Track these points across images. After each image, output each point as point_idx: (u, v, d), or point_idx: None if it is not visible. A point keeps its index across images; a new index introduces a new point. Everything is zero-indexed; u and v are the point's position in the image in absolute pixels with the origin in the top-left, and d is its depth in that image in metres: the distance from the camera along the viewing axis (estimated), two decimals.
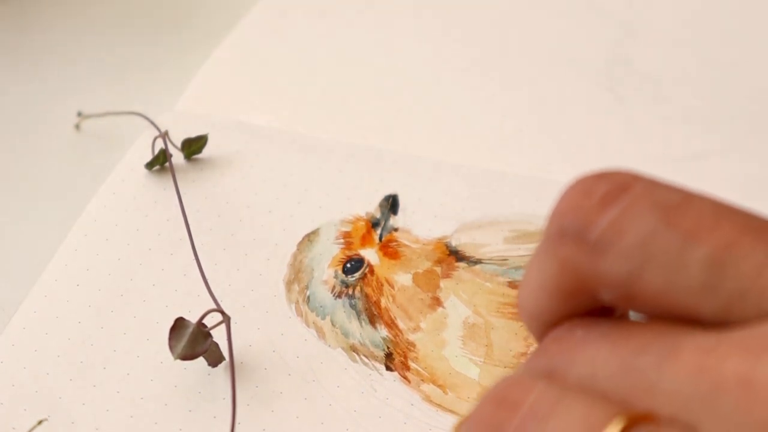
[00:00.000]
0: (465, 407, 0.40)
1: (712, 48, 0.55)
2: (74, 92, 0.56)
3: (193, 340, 0.39)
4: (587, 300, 0.26)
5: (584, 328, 0.26)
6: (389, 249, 0.46)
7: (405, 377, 0.41)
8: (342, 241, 0.46)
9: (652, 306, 0.24)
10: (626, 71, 0.54)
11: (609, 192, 0.25)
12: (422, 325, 0.43)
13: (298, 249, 0.46)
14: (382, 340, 0.42)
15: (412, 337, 0.42)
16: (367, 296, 0.44)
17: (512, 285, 0.44)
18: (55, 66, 0.58)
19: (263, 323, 0.43)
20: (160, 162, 0.49)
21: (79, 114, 0.53)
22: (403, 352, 0.42)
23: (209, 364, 0.40)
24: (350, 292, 0.44)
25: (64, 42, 0.59)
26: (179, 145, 0.49)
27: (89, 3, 0.62)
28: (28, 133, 0.54)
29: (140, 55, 0.59)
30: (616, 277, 0.24)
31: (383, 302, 0.43)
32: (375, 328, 0.43)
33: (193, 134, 0.49)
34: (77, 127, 0.53)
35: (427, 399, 0.40)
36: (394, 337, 0.42)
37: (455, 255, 0.45)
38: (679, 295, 0.24)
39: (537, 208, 0.47)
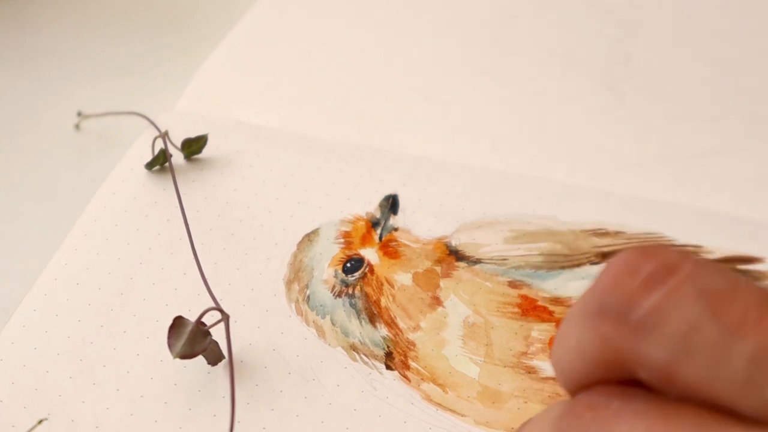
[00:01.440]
0: (465, 406, 0.40)
1: (713, 47, 0.55)
2: (74, 92, 0.56)
3: (192, 339, 0.39)
4: (624, 373, 0.26)
5: (621, 399, 0.25)
6: (389, 249, 0.46)
7: (405, 376, 0.41)
8: (342, 240, 0.46)
9: (691, 393, 0.24)
10: (627, 70, 0.54)
11: (654, 273, 0.25)
12: (422, 324, 0.43)
13: (298, 249, 0.46)
14: (382, 339, 0.42)
15: (412, 336, 0.42)
16: (367, 295, 0.44)
17: (512, 284, 0.44)
18: (55, 66, 0.58)
19: (263, 322, 0.43)
20: (160, 162, 0.49)
21: (79, 114, 0.53)
22: (403, 351, 0.42)
23: (209, 363, 0.40)
24: (350, 291, 0.44)
25: (64, 42, 0.59)
26: (179, 145, 0.49)
27: (89, 3, 0.62)
28: (27, 133, 0.54)
29: (140, 54, 0.59)
30: (655, 361, 0.24)
31: (383, 301, 0.43)
32: (375, 327, 0.43)
33: (193, 134, 0.50)
34: (77, 126, 0.53)
35: (427, 398, 0.40)
36: (394, 337, 0.42)
37: (455, 255, 0.45)
38: (719, 388, 0.23)
39: (537, 208, 0.47)
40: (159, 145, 0.49)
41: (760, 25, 0.56)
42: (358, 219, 0.47)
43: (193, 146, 0.49)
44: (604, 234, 0.46)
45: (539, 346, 0.42)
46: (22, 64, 0.58)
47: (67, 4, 0.62)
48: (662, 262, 0.25)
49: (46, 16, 0.61)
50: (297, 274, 0.45)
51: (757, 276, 0.44)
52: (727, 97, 0.53)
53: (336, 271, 0.45)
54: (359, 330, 0.42)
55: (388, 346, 0.42)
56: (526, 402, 0.40)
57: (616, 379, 0.26)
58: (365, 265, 0.45)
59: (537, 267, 0.45)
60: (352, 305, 0.43)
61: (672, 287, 0.24)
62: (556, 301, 0.43)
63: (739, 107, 0.52)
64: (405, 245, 0.46)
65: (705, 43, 0.55)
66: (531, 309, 0.43)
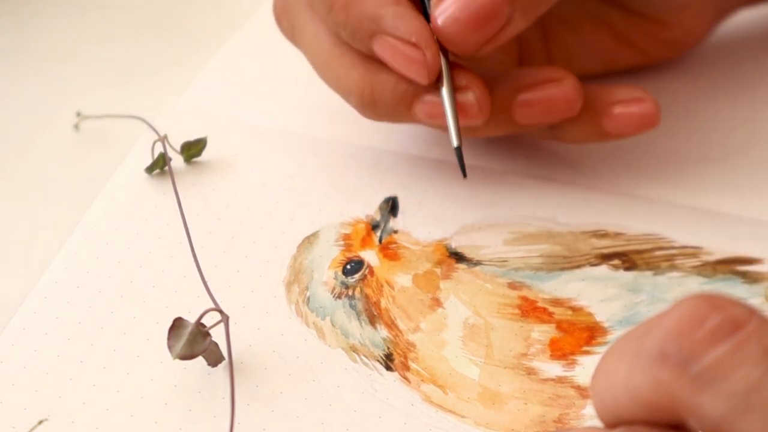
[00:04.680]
0: (465, 407, 0.40)
1: (714, 45, 0.55)
2: (74, 93, 0.56)
3: (192, 340, 0.39)
4: (671, 417, 0.26)
5: None
6: (389, 251, 0.46)
7: (405, 377, 0.41)
8: (342, 243, 0.46)
9: None
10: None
11: (720, 326, 0.25)
12: (422, 325, 0.43)
13: (298, 251, 0.46)
14: (382, 341, 0.42)
15: (412, 337, 0.42)
16: (367, 297, 0.44)
17: (512, 286, 0.44)
18: (55, 66, 0.58)
19: (263, 324, 0.43)
20: (159, 166, 0.49)
21: (78, 114, 0.53)
22: (403, 352, 0.42)
23: (209, 364, 0.40)
24: (350, 293, 0.44)
25: (64, 42, 0.59)
26: (179, 148, 0.49)
27: (89, 3, 0.62)
28: (27, 133, 0.54)
29: (141, 56, 0.59)
30: (709, 414, 0.24)
31: (383, 303, 0.43)
32: (375, 328, 0.43)
33: (192, 135, 0.50)
34: (76, 127, 0.53)
35: (428, 399, 0.40)
36: (394, 338, 0.42)
37: (455, 257, 0.45)
38: None
39: (536, 210, 0.47)
40: (158, 148, 0.49)
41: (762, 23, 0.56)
42: (358, 221, 0.47)
43: (192, 149, 0.50)
44: (603, 235, 0.46)
45: (539, 347, 0.42)
46: (22, 64, 0.58)
47: (68, 4, 0.62)
48: (729, 316, 0.25)
49: (46, 16, 0.61)
50: (297, 276, 0.45)
51: (756, 277, 0.44)
52: (729, 96, 0.53)
53: (336, 273, 0.45)
54: (359, 331, 0.42)
55: (388, 348, 0.42)
56: (526, 403, 0.40)
57: (660, 421, 0.26)
58: (365, 267, 0.45)
59: (537, 268, 0.45)
60: (352, 307, 0.43)
61: (737, 343, 0.24)
62: (556, 302, 0.43)
63: (741, 108, 0.52)
64: (405, 247, 0.46)
65: (705, 45, 0.55)
66: (531, 310, 0.43)
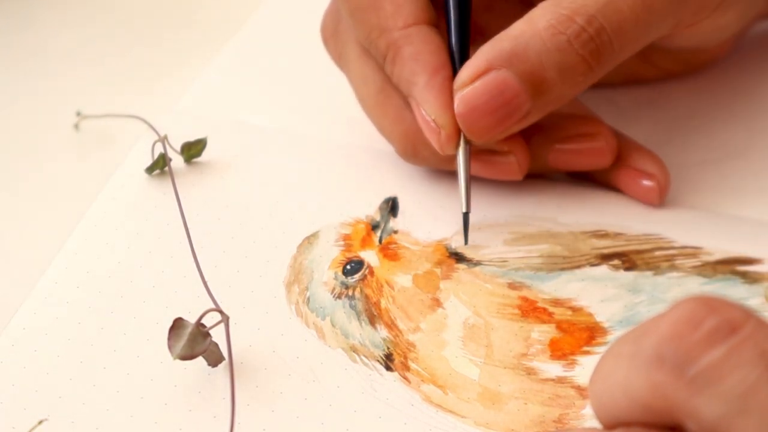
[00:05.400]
0: (465, 407, 0.40)
1: None
2: (74, 93, 0.56)
3: (192, 340, 0.39)
4: (668, 419, 0.26)
5: None
6: (389, 251, 0.46)
7: (405, 377, 0.41)
8: (342, 243, 0.46)
9: None
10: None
11: (717, 328, 0.25)
12: (422, 325, 0.43)
13: (297, 251, 0.46)
14: (382, 341, 0.42)
15: (412, 337, 0.42)
16: (367, 297, 0.44)
17: (512, 286, 0.44)
18: (55, 66, 0.58)
19: (263, 324, 0.43)
20: (159, 166, 0.49)
21: (78, 114, 0.53)
22: (403, 352, 0.42)
23: (209, 364, 0.40)
24: (350, 293, 0.44)
25: (64, 42, 0.60)
26: (179, 148, 0.49)
27: (90, 3, 0.62)
28: (27, 133, 0.54)
29: (141, 57, 0.59)
30: (706, 417, 0.24)
31: (383, 303, 0.43)
32: (375, 328, 0.43)
33: (192, 135, 0.50)
34: (76, 126, 0.53)
35: (428, 399, 0.40)
36: (394, 338, 0.42)
37: (455, 257, 0.45)
38: None
39: (537, 210, 0.47)
40: (158, 149, 0.49)
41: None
42: (358, 222, 0.47)
43: (192, 149, 0.50)
44: (603, 236, 0.46)
45: (539, 347, 0.42)
46: (22, 64, 0.58)
47: (68, 4, 0.62)
48: (726, 318, 0.25)
49: (46, 16, 0.61)
50: (297, 276, 0.45)
51: (756, 277, 0.44)
52: (730, 98, 0.53)
53: (336, 273, 0.45)
54: (359, 331, 0.42)
55: (388, 348, 0.42)
56: (526, 403, 0.40)
57: (658, 422, 0.26)
58: (365, 267, 0.45)
59: (537, 269, 0.45)
60: (352, 307, 0.43)
61: (733, 345, 0.24)
62: (556, 302, 0.43)
63: (741, 110, 0.52)
64: (405, 247, 0.46)
65: None
66: (531, 310, 0.43)
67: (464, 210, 0.45)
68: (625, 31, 0.42)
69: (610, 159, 0.47)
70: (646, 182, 0.47)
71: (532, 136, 0.46)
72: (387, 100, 0.46)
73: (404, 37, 0.44)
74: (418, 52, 0.44)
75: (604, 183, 0.48)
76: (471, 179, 0.45)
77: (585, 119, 0.47)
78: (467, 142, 0.44)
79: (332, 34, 0.49)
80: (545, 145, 0.47)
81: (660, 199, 0.47)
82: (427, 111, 0.44)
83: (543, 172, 0.48)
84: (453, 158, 0.45)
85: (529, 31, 0.42)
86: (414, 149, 0.47)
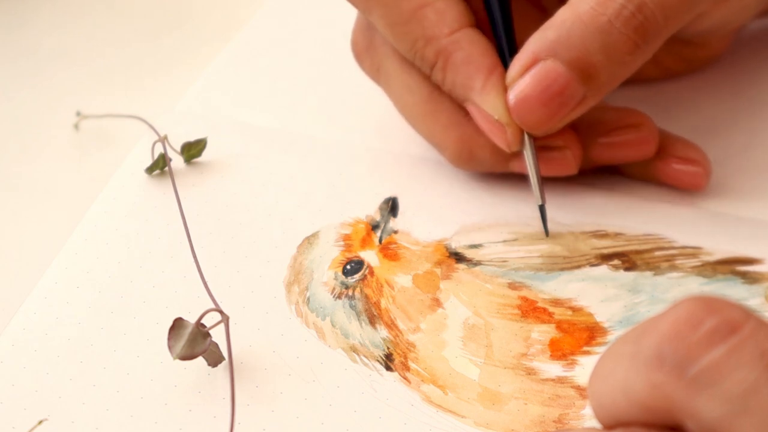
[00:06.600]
0: (465, 408, 0.40)
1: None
2: (74, 93, 0.56)
3: (192, 340, 0.39)
4: (668, 419, 0.26)
5: None
6: (389, 251, 0.46)
7: (405, 378, 0.41)
8: (342, 243, 0.46)
9: None
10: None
11: (717, 328, 0.25)
12: (422, 325, 0.43)
13: (297, 251, 0.46)
14: (382, 341, 0.42)
15: (412, 337, 0.42)
16: (367, 297, 0.44)
17: (512, 286, 0.44)
18: (55, 66, 0.58)
19: (263, 324, 0.43)
20: (159, 166, 0.49)
21: (78, 114, 0.53)
22: (403, 352, 0.42)
23: (209, 364, 0.40)
24: (350, 293, 0.44)
25: (64, 42, 0.60)
26: (179, 148, 0.49)
27: (90, 4, 0.62)
28: (27, 133, 0.54)
29: (141, 57, 0.59)
30: (707, 417, 0.24)
31: (383, 303, 0.43)
32: (375, 328, 0.43)
33: (192, 135, 0.50)
34: (76, 126, 0.53)
35: (428, 399, 0.40)
36: (394, 338, 0.42)
37: (455, 257, 0.45)
38: None
39: (536, 210, 0.47)
40: (158, 149, 0.49)
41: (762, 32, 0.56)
42: (358, 222, 0.47)
43: (192, 150, 0.50)
44: (603, 236, 0.46)
45: (539, 347, 0.42)
46: (22, 64, 0.58)
47: (68, 4, 0.62)
48: (726, 318, 0.25)
49: (46, 16, 0.61)
50: (297, 277, 0.45)
51: (756, 277, 0.44)
52: (730, 100, 0.53)
53: (336, 273, 0.45)
54: (359, 331, 0.42)
55: (388, 348, 0.42)
56: (526, 403, 0.40)
57: (657, 422, 0.26)
58: (365, 267, 0.45)
59: (537, 269, 0.45)
60: (352, 307, 0.43)
61: (733, 345, 0.24)
62: (556, 302, 0.43)
63: (741, 112, 0.52)
64: (405, 248, 0.46)
65: None
66: (531, 310, 0.43)
67: (539, 203, 0.45)
68: (668, 3, 0.42)
69: (655, 148, 0.47)
70: (693, 168, 0.47)
71: (576, 127, 0.46)
72: (437, 107, 0.46)
73: (453, 43, 0.44)
74: (469, 56, 0.44)
75: (641, 176, 0.48)
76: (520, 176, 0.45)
77: (626, 111, 0.47)
78: (531, 136, 0.44)
79: (366, 49, 0.49)
80: (588, 141, 0.47)
81: (706, 183, 0.47)
82: (491, 111, 0.44)
83: (588, 168, 0.48)
84: (507, 160, 0.46)
85: (571, 18, 0.42)
86: (470, 153, 0.46)
